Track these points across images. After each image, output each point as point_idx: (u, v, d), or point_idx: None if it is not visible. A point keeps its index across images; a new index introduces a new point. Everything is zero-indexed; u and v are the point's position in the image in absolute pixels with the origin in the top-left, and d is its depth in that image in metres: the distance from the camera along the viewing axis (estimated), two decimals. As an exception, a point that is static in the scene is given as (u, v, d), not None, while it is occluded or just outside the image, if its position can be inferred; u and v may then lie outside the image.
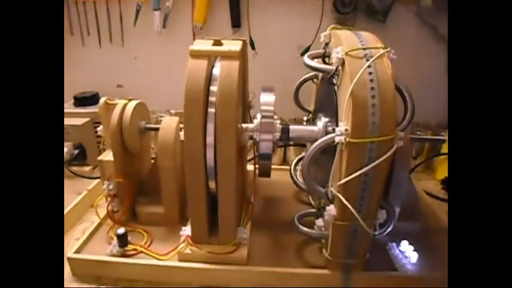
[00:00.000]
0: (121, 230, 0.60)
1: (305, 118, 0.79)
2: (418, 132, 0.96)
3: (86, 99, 0.98)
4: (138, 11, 0.99)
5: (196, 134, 0.52)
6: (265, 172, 0.62)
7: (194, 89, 0.50)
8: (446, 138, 0.84)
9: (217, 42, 0.56)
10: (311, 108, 0.78)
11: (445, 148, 0.92)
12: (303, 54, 0.95)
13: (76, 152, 0.91)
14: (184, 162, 0.53)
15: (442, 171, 0.93)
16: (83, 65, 1.07)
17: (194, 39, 0.99)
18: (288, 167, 0.83)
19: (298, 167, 0.82)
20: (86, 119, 0.93)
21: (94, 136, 0.94)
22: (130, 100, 0.68)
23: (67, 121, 0.92)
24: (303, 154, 0.85)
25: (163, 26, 0.99)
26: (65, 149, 0.90)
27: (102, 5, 1.00)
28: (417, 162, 0.97)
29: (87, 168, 0.93)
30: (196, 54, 0.53)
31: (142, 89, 1.04)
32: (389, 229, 0.55)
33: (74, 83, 1.03)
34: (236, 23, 0.97)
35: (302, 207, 0.77)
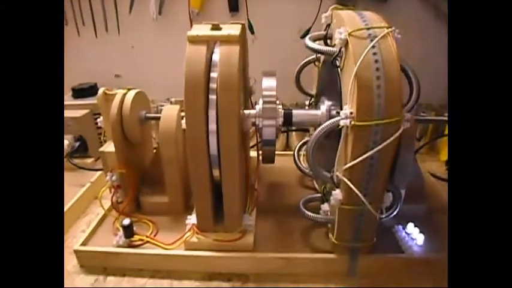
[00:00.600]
0: (126, 221, 0.60)
1: (307, 102, 0.78)
2: (422, 113, 0.94)
3: (84, 91, 0.97)
4: (133, -2, 0.96)
5: (198, 122, 0.51)
6: (269, 158, 0.61)
7: (194, 75, 0.49)
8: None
9: (216, 27, 0.54)
10: (313, 92, 0.76)
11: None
12: (303, 36, 0.93)
13: (77, 144, 0.90)
14: (187, 150, 0.53)
15: (446, 153, 0.92)
16: (80, 56, 1.05)
17: (191, 25, 0.96)
18: (291, 152, 0.82)
19: (302, 152, 0.82)
20: (86, 111, 0.92)
21: (94, 128, 0.93)
22: (129, 90, 0.67)
23: (66, 113, 0.91)
24: (306, 139, 0.84)
25: (159, 13, 0.97)
26: (66, 142, 0.89)
27: (96, -7, 0.98)
28: (421, 144, 0.96)
29: (89, 160, 0.93)
30: (195, 40, 0.51)
31: (140, 78, 1.02)
32: (395, 212, 0.54)
33: (71, 74, 1.01)
34: (234, 7, 0.95)
35: (306, 192, 0.77)
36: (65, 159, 0.89)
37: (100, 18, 1.00)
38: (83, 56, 1.06)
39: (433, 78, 1.02)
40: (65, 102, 0.95)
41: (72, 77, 1.00)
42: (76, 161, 0.90)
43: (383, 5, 0.94)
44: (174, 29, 0.99)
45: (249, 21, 0.94)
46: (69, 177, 0.88)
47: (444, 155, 0.93)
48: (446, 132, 0.92)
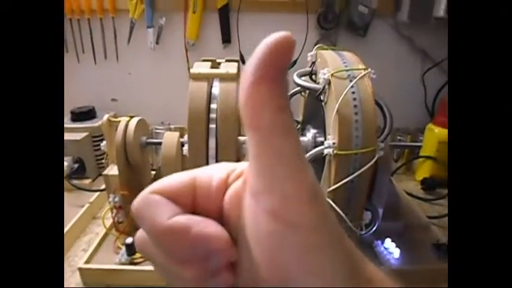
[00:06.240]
0: (129, 240, 0.64)
1: (294, 128, 0.85)
2: (398, 137, 1.03)
3: (83, 114, 1.02)
4: (132, 28, 1.03)
5: (199, 149, 0.57)
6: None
7: (196, 109, 0.56)
8: (422, 144, 0.93)
9: (215, 64, 0.62)
10: (299, 118, 0.84)
11: (422, 151, 1.00)
12: (289, 68, 1.02)
13: (76, 166, 0.94)
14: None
15: (421, 173, 1.01)
16: (78, 81, 1.10)
17: (187, 55, 1.04)
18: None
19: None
20: (84, 134, 0.97)
21: (92, 150, 0.98)
22: (131, 117, 0.73)
23: (66, 136, 0.95)
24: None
25: (157, 43, 1.04)
26: (65, 163, 0.93)
27: (96, 22, 1.04)
28: (398, 165, 1.04)
29: (86, 181, 0.96)
30: (197, 77, 0.58)
31: (136, 103, 1.08)
32: (374, 228, 0.61)
33: (69, 98, 1.05)
34: (226, 39, 1.03)
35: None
36: (64, 180, 0.92)
37: (100, 46, 1.06)
38: (81, 81, 1.11)
39: (409, 104, 1.12)
40: (64, 125, 1.00)
41: (71, 101, 1.05)
42: (74, 182, 0.94)
43: (362, 38, 1.04)
44: (170, 58, 1.06)
45: (240, 53, 1.02)
46: (68, 198, 0.92)
47: (419, 175, 1.01)
48: (420, 154, 1.01)
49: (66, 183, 0.92)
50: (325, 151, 0.54)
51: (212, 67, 0.60)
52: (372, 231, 0.61)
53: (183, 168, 0.72)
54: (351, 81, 0.55)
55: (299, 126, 0.84)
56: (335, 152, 0.53)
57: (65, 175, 0.93)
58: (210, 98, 0.60)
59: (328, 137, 0.55)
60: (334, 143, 0.53)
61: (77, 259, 0.71)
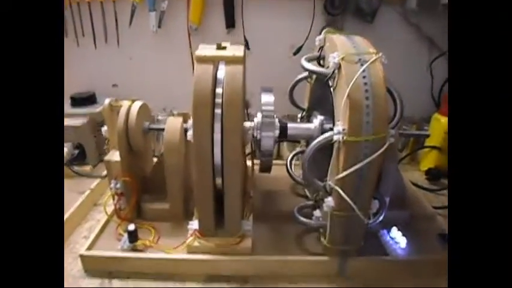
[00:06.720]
0: (131, 227, 0.63)
1: (299, 115, 0.84)
2: (404, 127, 1.02)
3: (83, 100, 1.00)
4: (133, 11, 1.00)
5: (204, 134, 0.55)
6: (266, 168, 0.66)
7: (202, 93, 0.54)
8: (429, 133, 0.91)
9: (221, 47, 0.59)
10: (305, 106, 0.82)
11: (428, 141, 0.98)
12: (295, 53, 0.99)
13: (76, 152, 0.93)
14: (194, 160, 0.57)
15: (426, 163, 0.99)
16: (78, 66, 1.08)
17: (190, 39, 1.01)
18: (282, 162, 0.87)
19: (294, 162, 0.87)
20: (84, 120, 0.95)
21: (92, 136, 0.96)
22: (133, 101, 0.71)
23: (66, 122, 0.93)
24: (298, 149, 0.90)
25: (159, 26, 1.01)
26: (65, 150, 0.92)
27: (97, 5, 1.01)
28: (403, 155, 1.03)
29: (87, 168, 0.95)
30: (203, 60, 0.56)
31: (137, 88, 1.06)
32: (381, 217, 0.60)
33: (69, 83, 1.02)
34: (230, 23, 1.00)
35: (298, 199, 0.82)
36: (65, 167, 0.91)
37: (100, 30, 1.03)
38: (81, 65, 1.08)
39: (415, 93, 1.10)
40: (65, 111, 0.98)
41: (71, 86, 1.02)
42: (75, 168, 0.93)
43: (369, 25, 1.01)
44: (173, 42, 1.03)
45: (245, 38, 1.00)
46: (68, 184, 0.90)
47: (424, 165, 1.00)
48: (426, 144, 0.99)
49: (66, 170, 0.91)
50: (335, 137, 0.52)
51: (218, 50, 0.58)
52: (379, 220, 0.60)
53: (187, 154, 0.71)
54: (361, 65, 0.53)
55: (304, 113, 0.82)
56: (345, 138, 0.51)
57: (65, 161, 0.91)
58: (215, 82, 0.58)
59: (337, 123, 0.54)
60: (343, 129, 0.52)
61: (78, 246, 0.70)
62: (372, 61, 0.53)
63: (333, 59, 0.55)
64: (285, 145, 1.06)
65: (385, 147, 0.52)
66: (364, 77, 0.52)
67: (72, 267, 0.65)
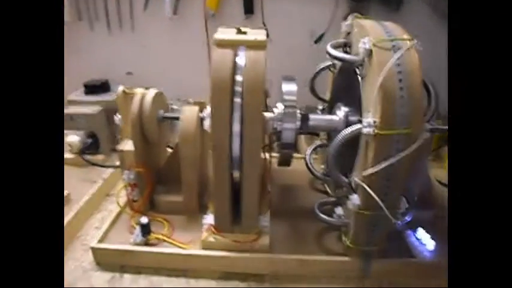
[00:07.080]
0: (144, 220, 0.61)
1: (320, 107, 0.79)
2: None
3: (96, 87, 0.97)
4: (148, -4, 0.97)
5: (223, 124, 0.52)
6: (286, 161, 0.62)
7: (221, 80, 0.50)
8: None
9: (241, 31, 0.56)
10: (326, 96, 0.78)
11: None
12: (317, 41, 0.95)
13: (89, 141, 0.91)
14: (212, 151, 0.54)
15: (452, 160, 0.94)
16: (92, 52, 1.06)
17: (206, 25, 0.97)
18: (300, 155, 0.84)
19: (313, 156, 0.83)
20: (98, 108, 0.93)
21: (106, 125, 0.94)
22: (147, 89, 0.68)
23: (79, 110, 0.92)
24: (318, 143, 0.85)
25: (174, 12, 0.98)
26: (78, 138, 0.90)
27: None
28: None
29: (100, 157, 0.93)
30: (222, 44, 0.52)
31: (152, 76, 1.03)
32: (410, 217, 0.56)
33: (82, 69, 1.02)
34: (249, 10, 0.96)
35: (317, 195, 0.78)
36: (77, 155, 0.89)
37: (114, 15, 1.01)
38: (95, 52, 1.06)
39: (441, 86, 1.03)
40: (77, 98, 0.96)
41: (83, 72, 1.01)
42: (88, 157, 0.91)
43: (395, 13, 0.95)
44: (189, 29, 1.00)
45: (264, 24, 0.95)
46: (80, 173, 0.89)
47: (449, 162, 0.95)
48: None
49: (78, 158, 0.89)
50: (364, 130, 0.48)
51: (238, 34, 0.54)
52: (408, 220, 0.56)
53: (202, 145, 0.67)
54: (395, 52, 0.48)
55: (326, 104, 0.78)
56: (376, 131, 0.47)
57: (77, 150, 0.90)
58: (235, 68, 0.54)
59: (367, 114, 0.49)
60: (374, 122, 0.47)
61: (89, 238, 0.68)
62: (407, 48, 0.48)
63: (363, 44, 0.50)
64: (302, 138, 1.02)
65: (420, 141, 0.47)
66: (398, 64, 0.48)
67: (84, 259, 0.63)
